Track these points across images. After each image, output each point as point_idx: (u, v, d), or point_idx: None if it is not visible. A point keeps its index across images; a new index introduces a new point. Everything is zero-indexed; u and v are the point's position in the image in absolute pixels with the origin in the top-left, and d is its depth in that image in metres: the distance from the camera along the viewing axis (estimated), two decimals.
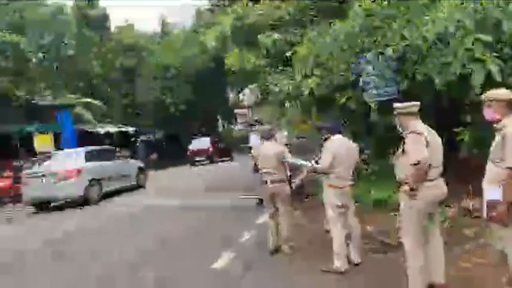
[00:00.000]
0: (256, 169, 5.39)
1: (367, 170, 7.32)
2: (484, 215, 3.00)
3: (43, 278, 4.92)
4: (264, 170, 4.95)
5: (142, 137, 24.17)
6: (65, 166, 10.29)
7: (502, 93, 3.04)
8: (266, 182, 4.91)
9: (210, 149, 21.26)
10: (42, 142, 15.90)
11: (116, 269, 4.99)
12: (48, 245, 6.55)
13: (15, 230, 8.58)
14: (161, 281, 4.44)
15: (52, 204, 10.70)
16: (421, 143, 3.25)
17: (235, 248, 5.31)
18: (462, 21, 4.62)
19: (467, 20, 4.61)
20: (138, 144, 21.40)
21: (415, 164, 3.21)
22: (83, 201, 10.22)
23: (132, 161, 13.66)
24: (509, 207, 2.79)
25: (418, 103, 3.51)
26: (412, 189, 3.28)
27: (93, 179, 10.54)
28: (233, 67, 7.99)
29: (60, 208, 10.47)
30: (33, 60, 21.97)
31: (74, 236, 7.12)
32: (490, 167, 3.01)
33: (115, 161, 12.09)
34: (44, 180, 10.06)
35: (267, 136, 5.15)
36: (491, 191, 2.92)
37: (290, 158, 4.89)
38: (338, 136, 4.33)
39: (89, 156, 10.98)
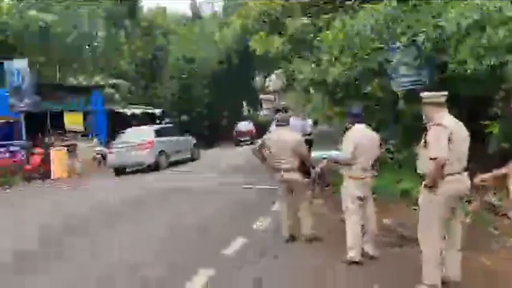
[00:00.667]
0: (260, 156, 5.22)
1: (392, 159, 7.15)
2: (510, 213, 2.88)
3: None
4: (277, 158, 4.84)
5: (167, 120, 24.53)
6: (140, 139, 12.72)
7: None
8: (280, 170, 4.84)
9: (253, 131, 23.67)
10: (71, 120, 16.38)
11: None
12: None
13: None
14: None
15: (127, 170, 13.44)
16: (443, 138, 3.13)
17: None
18: (501, 8, 4.36)
19: (507, 6, 4.34)
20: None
21: (432, 159, 3.11)
22: (154, 168, 12.73)
23: (189, 137, 15.74)
24: None
25: (446, 93, 3.36)
26: (429, 186, 3.17)
27: (161, 151, 13.02)
28: (258, 51, 7.89)
29: (134, 173, 13.16)
30: (68, 40, 22.58)
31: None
32: None
33: (177, 137, 14.61)
34: (125, 150, 12.63)
35: (284, 123, 5.01)
36: None
37: (317, 153, 4.74)
38: (359, 126, 4.21)
39: (158, 133, 13.47)
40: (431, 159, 3.14)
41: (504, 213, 4.63)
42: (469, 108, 6.26)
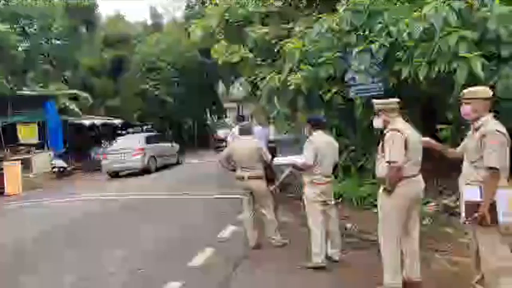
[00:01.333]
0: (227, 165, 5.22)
1: (353, 165, 7.29)
2: (463, 215, 2.99)
3: None
4: (241, 166, 4.89)
5: (130, 130, 23.88)
6: (132, 146, 14.20)
7: (480, 91, 3.03)
8: (242, 177, 4.85)
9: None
10: (26, 133, 15.62)
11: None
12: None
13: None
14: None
15: (120, 174, 14.64)
16: (398, 142, 3.24)
17: None
18: (447, 19, 4.60)
19: (452, 17, 4.59)
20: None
21: (389, 163, 3.21)
22: (144, 171, 14.18)
23: (174, 145, 17.21)
24: (489, 208, 2.77)
25: (398, 100, 3.49)
26: (388, 190, 3.26)
27: (151, 156, 14.55)
28: (219, 59, 7.87)
29: (126, 176, 14.39)
30: (19, 49, 21.54)
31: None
32: (466, 165, 3.01)
33: (164, 144, 16.25)
34: (119, 156, 14.06)
35: (247, 132, 5.07)
36: (470, 192, 2.91)
37: (279, 159, 4.79)
38: (320, 132, 4.29)
39: (148, 140, 14.97)
40: (388, 163, 3.24)
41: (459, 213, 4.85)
42: (423, 113, 6.55)
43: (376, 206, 6.06)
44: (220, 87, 33.29)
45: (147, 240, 5.80)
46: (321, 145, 4.17)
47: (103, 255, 5.15)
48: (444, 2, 4.68)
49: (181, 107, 25.15)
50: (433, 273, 3.43)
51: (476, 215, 2.81)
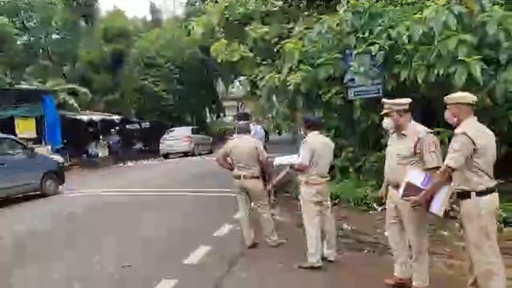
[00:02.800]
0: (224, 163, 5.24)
1: (352, 167, 7.30)
2: (401, 191, 3.20)
3: None
4: (238, 165, 4.90)
5: (128, 126, 23.82)
6: (182, 135, 19.60)
7: (462, 96, 3.07)
8: (239, 177, 4.86)
9: None
10: (24, 127, 15.55)
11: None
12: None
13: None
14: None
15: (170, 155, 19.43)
16: (438, 148, 3.29)
17: None
18: (447, 23, 4.61)
19: (452, 21, 4.61)
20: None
21: (436, 168, 3.16)
22: (191, 154, 19.32)
23: (208, 136, 22.91)
24: (427, 198, 3.06)
25: (410, 100, 3.46)
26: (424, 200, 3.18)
27: (196, 143, 19.90)
28: (219, 57, 7.86)
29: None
30: (18, 42, 21.49)
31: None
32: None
33: (202, 136, 22.12)
34: (172, 142, 19.39)
35: (244, 130, 5.08)
36: (415, 175, 3.16)
37: (279, 158, 4.77)
38: (315, 132, 4.28)
39: (192, 131, 20.76)
40: (435, 168, 3.16)
41: (454, 216, 4.87)
42: (422, 116, 6.58)
43: (371, 207, 6.13)
44: (220, 86, 33.30)
45: (143, 235, 5.81)
46: (317, 146, 4.17)
47: (97, 251, 5.14)
48: (444, 6, 4.69)
49: (180, 104, 25.12)
50: (430, 276, 3.45)
51: (413, 198, 3.11)
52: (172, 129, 20.71)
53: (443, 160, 3.05)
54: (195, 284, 3.96)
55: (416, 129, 3.34)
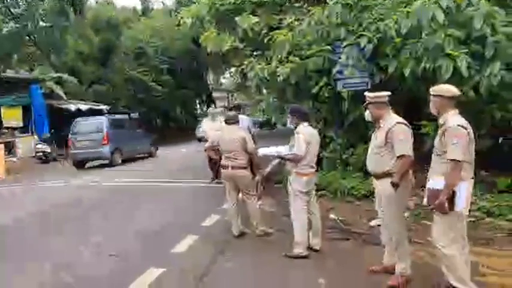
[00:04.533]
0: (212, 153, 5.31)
1: (339, 159, 7.36)
2: (425, 200, 3.16)
3: None
4: (225, 155, 4.91)
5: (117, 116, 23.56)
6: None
7: (445, 88, 3.14)
8: (227, 167, 4.88)
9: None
10: (9, 116, 15.33)
11: None
12: None
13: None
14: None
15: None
16: (409, 136, 3.37)
17: None
18: (435, 16, 4.66)
19: (440, 15, 4.65)
20: None
21: (401, 157, 3.29)
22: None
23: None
24: (448, 197, 2.94)
25: (388, 93, 3.54)
26: (395, 184, 3.30)
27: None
28: (208, 47, 7.82)
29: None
30: (5, 29, 20.96)
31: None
32: (434, 159, 3.16)
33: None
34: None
35: (233, 121, 5.06)
36: (435, 181, 3.07)
37: (264, 149, 4.79)
38: (305, 124, 4.31)
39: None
40: (401, 156, 3.30)
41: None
42: (407, 108, 6.66)
43: (358, 198, 6.21)
44: (210, 77, 33.15)
45: (131, 224, 5.82)
46: (310, 137, 4.22)
47: (85, 240, 5.12)
48: (432, 0, 4.74)
49: (170, 95, 24.94)
50: (412, 265, 3.54)
51: (436, 202, 2.98)
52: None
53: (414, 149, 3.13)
54: (182, 272, 3.98)
55: (390, 120, 3.44)
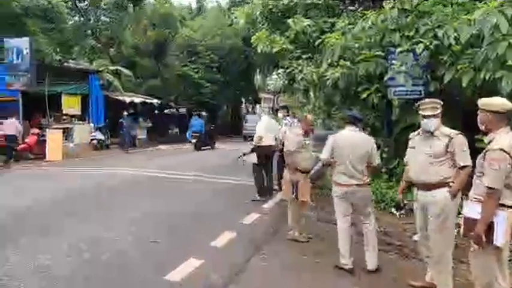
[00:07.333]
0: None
1: (385, 169, 7.16)
2: (461, 230, 2.92)
3: None
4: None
5: (166, 111, 24.45)
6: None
7: (496, 102, 2.81)
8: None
9: None
10: (69, 104, 16.31)
11: None
12: None
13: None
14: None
15: None
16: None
17: None
18: (498, 25, 4.42)
19: (503, 23, 4.40)
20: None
21: (464, 167, 3.21)
22: None
23: None
24: (486, 229, 2.66)
25: (437, 100, 3.44)
26: (453, 194, 3.24)
27: None
28: (259, 47, 7.89)
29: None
30: (70, 22, 22.38)
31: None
32: (474, 179, 2.90)
33: None
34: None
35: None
36: (471, 208, 2.81)
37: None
38: (349, 128, 4.12)
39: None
40: (463, 168, 3.21)
41: None
42: (465, 121, 6.35)
43: (396, 209, 5.99)
44: (258, 77, 33.36)
45: (174, 213, 6.08)
46: (341, 142, 4.09)
47: (128, 227, 5.39)
48: (496, 8, 4.49)
49: (218, 92, 25.44)
50: (456, 285, 3.40)
51: (472, 233, 2.72)
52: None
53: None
54: (220, 266, 4.08)
55: (443, 129, 3.35)
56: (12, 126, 12.44)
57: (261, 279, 3.89)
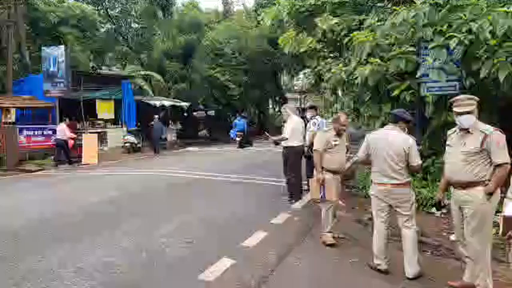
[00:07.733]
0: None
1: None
2: (500, 230, 2.84)
3: None
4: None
5: (195, 114, 24.81)
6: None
7: None
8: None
9: None
10: (103, 109, 16.90)
11: None
12: None
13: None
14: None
15: None
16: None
17: None
18: None
19: None
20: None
21: (501, 165, 3.12)
22: None
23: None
24: None
25: (472, 96, 3.35)
26: (490, 193, 3.15)
27: None
28: (286, 48, 7.88)
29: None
30: (102, 30, 23.22)
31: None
32: None
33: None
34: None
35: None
36: (510, 207, 2.73)
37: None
38: (387, 127, 4.04)
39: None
40: (501, 165, 3.12)
41: None
42: (501, 117, 6.10)
43: (437, 208, 5.84)
44: (284, 78, 33.30)
45: (206, 214, 6.17)
46: (375, 141, 4.05)
47: (161, 225, 5.53)
48: None
49: (244, 94, 25.57)
50: (495, 285, 3.28)
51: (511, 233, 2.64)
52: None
53: None
54: (252, 266, 4.11)
55: (480, 126, 3.27)
56: (62, 131, 13.10)
57: (293, 279, 3.89)
